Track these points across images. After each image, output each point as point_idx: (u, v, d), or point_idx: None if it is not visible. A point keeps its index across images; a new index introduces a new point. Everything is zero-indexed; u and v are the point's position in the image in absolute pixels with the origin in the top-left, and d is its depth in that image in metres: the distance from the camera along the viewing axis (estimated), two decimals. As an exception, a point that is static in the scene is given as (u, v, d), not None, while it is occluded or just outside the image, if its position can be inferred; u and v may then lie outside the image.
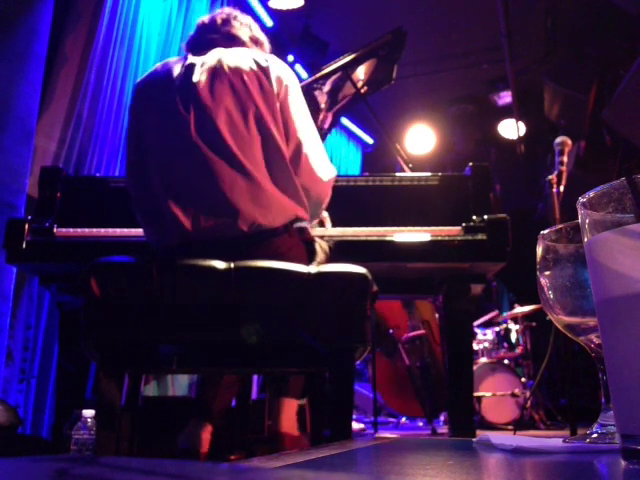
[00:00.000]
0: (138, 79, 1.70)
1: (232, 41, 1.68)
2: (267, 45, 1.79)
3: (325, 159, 1.66)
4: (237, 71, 1.54)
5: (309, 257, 1.61)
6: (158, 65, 1.66)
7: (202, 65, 1.57)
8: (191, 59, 1.60)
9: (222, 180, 1.47)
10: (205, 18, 1.75)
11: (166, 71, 1.60)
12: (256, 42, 1.75)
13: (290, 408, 1.84)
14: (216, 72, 1.54)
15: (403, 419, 4.84)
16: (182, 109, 1.51)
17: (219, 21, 1.70)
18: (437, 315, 4.77)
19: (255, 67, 1.56)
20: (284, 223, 1.53)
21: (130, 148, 1.63)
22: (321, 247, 1.67)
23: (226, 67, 1.55)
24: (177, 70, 1.58)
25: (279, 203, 1.51)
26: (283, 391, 1.86)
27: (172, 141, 1.52)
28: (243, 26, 1.73)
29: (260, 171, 1.50)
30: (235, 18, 1.72)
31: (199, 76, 1.55)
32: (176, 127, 1.51)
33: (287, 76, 1.60)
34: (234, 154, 1.48)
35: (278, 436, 1.79)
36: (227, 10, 1.76)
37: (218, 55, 1.59)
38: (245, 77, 1.53)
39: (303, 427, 1.98)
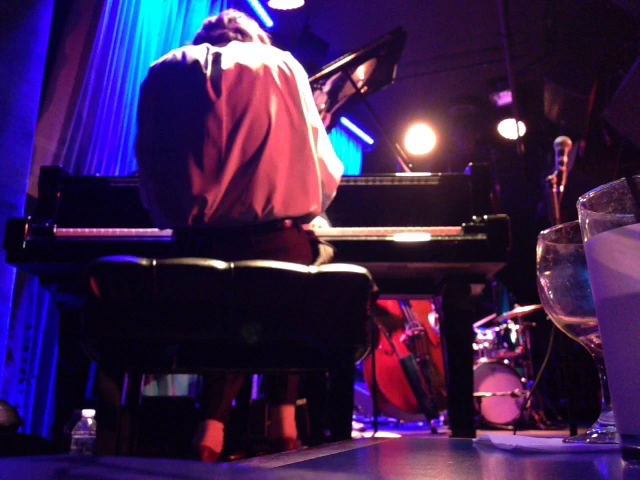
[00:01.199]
0: (153, 63, 1.72)
1: (242, 35, 1.74)
2: (269, 45, 1.83)
3: (333, 153, 1.73)
4: (265, 66, 1.59)
5: (314, 256, 1.63)
6: (176, 51, 1.69)
7: (229, 56, 1.61)
8: (214, 48, 1.64)
9: (247, 164, 1.52)
10: (212, 18, 1.81)
11: (189, 56, 1.63)
12: (262, 40, 1.81)
13: (289, 414, 1.87)
14: (244, 64, 1.59)
15: (401, 420, 4.84)
16: (212, 93, 1.55)
17: (226, 20, 1.76)
18: (432, 316, 4.80)
19: (283, 65, 1.62)
20: (295, 215, 1.57)
21: (144, 125, 1.64)
22: (325, 250, 1.68)
23: (254, 61, 1.60)
24: (201, 57, 1.61)
25: (296, 193, 1.56)
26: (280, 398, 1.88)
27: (200, 123, 1.55)
28: (249, 24, 1.80)
29: (284, 159, 1.55)
30: (240, 17, 1.79)
31: (227, 65, 1.59)
32: (205, 110, 1.55)
33: (305, 75, 1.69)
34: (262, 140, 1.53)
35: (282, 442, 1.83)
36: (232, 11, 1.82)
37: (242, 49, 1.64)
38: (273, 72, 1.59)
39: (302, 428, 1.99)
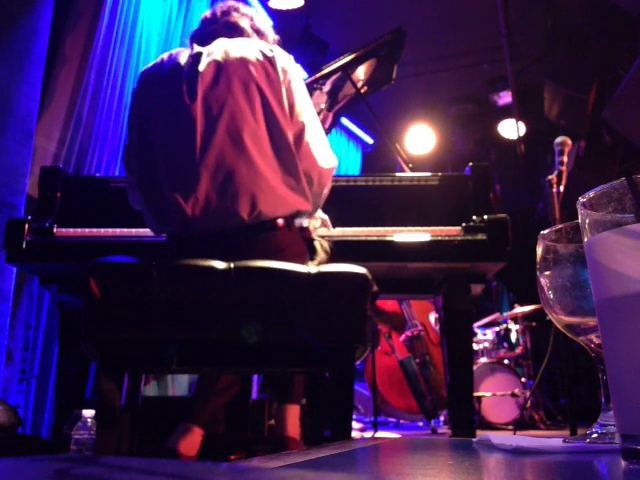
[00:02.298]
0: (144, 67, 1.71)
1: (233, 30, 1.69)
2: (272, 36, 1.79)
3: (327, 147, 1.66)
4: (243, 61, 1.55)
5: (310, 255, 1.61)
6: (165, 55, 1.67)
7: (208, 55, 1.58)
8: (197, 48, 1.62)
9: (226, 167, 1.48)
10: (207, 13, 1.78)
11: (173, 60, 1.62)
12: (258, 32, 1.75)
13: (294, 414, 1.85)
14: (222, 62, 1.56)
15: (402, 420, 4.84)
16: (187, 97, 1.53)
17: (219, 13, 1.73)
18: (432, 316, 4.79)
19: (261, 57, 1.57)
20: (285, 215, 1.52)
21: (132, 132, 1.64)
22: (322, 246, 1.67)
23: (232, 57, 1.56)
24: (184, 59, 1.60)
25: (282, 192, 1.51)
26: (286, 397, 1.86)
27: (177, 128, 1.53)
28: (244, 16, 1.74)
29: (266, 159, 1.51)
30: (236, 10, 1.74)
31: (205, 65, 1.56)
32: (181, 114, 1.52)
33: (291, 66, 1.63)
34: (240, 141, 1.49)
35: (284, 441, 1.81)
36: (229, 3, 1.77)
37: (223, 45, 1.61)
38: (251, 66, 1.55)
39: (302, 428, 1.99)
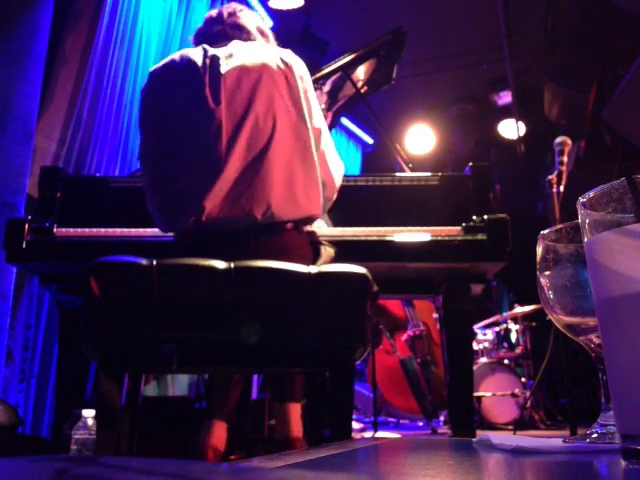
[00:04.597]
0: (153, 67, 1.71)
1: (240, 31, 1.72)
2: (272, 40, 1.82)
3: (336, 153, 1.71)
4: (264, 67, 1.58)
5: (315, 258, 1.63)
6: (174, 55, 1.68)
7: (227, 57, 1.59)
8: (212, 50, 1.62)
9: (247, 171, 1.50)
10: (213, 12, 1.79)
11: (186, 61, 1.62)
12: (262, 33, 1.78)
13: (296, 413, 1.85)
14: (244, 67, 1.57)
15: (402, 420, 4.84)
16: (211, 100, 1.54)
17: (225, 14, 1.75)
18: (435, 315, 4.79)
19: (281, 64, 1.60)
20: (296, 219, 1.55)
21: (146, 132, 1.64)
22: (326, 250, 1.68)
23: (253, 62, 1.58)
24: (199, 60, 1.60)
25: (299, 198, 1.54)
26: (287, 396, 1.86)
27: (200, 130, 1.54)
28: (249, 18, 1.77)
29: (284, 164, 1.53)
30: (241, 11, 1.77)
31: (226, 69, 1.57)
32: (205, 117, 1.54)
33: (306, 72, 1.66)
34: (262, 147, 1.51)
35: (288, 442, 1.80)
36: (234, 4, 1.80)
37: (241, 49, 1.62)
38: (272, 73, 1.57)
39: (303, 428, 1.99)
